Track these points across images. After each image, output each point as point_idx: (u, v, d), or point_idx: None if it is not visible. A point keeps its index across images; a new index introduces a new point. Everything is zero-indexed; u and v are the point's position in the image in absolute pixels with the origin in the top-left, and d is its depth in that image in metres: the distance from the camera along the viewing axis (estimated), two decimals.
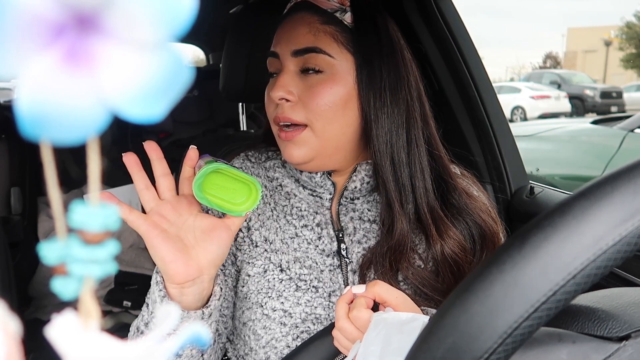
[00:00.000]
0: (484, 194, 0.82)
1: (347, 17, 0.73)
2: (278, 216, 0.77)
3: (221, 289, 0.64)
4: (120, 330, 1.84)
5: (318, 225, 0.76)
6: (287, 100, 0.71)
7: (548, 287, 0.28)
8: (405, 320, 0.57)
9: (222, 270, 0.74)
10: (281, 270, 0.73)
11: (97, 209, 0.17)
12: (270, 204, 0.78)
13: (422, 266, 0.73)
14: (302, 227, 0.76)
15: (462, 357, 0.29)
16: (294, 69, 0.72)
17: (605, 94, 14.98)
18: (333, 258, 0.75)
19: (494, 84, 1.29)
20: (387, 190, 0.72)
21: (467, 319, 0.30)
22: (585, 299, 0.39)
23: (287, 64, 0.72)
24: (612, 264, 0.28)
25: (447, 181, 0.76)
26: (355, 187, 0.77)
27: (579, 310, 0.37)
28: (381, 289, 0.60)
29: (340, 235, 0.76)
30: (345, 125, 0.72)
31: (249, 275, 0.75)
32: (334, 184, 0.78)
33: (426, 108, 0.77)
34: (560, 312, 0.29)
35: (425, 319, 0.57)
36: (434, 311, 0.67)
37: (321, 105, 0.70)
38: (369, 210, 0.78)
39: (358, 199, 0.78)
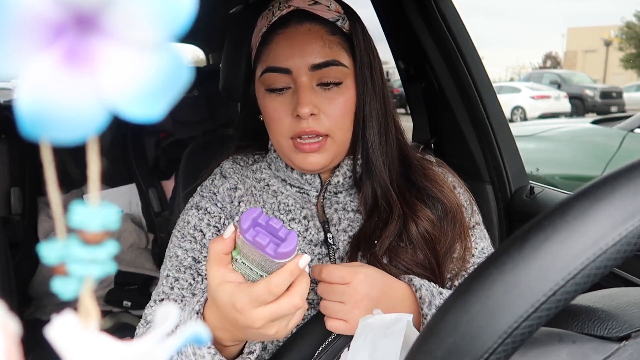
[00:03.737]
0: (459, 181, 0.85)
1: (346, 25, 0.77)
2: (267, 213, 0.80)
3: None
4: (120, 330, 1.84)
5: (305, 217, 0.79)
6: (312, 114, 0.72)
7: (548, 287, 0.28)
8: (390, 322, 0.57)
9: None
10: None
11: (97, 209, 0.17)
12: (260, 203, 0.81)
13: (402, 245, 0.75)
14: (289, 220, 0.79)
15: (462, 357, 0.29)
16: (310, 82, 0.73)
17: (605, 94, 14.96)
18: (321, 247, 0.77)
19: (494, 84, 1.29)
20: (379, 178, 0.76)
21: (467, 319, 0.30)
22: (585, 299, 0.39)
23: (304, 79, 0.72)
24: (612, 264, 0.28)
25: (408, 160, 0.81)
26: (338, 182, 0.80)
27: (579, 310, 0.37)
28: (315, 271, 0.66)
29: (326, 226, 0.78)
30: (350, 128, 0.76)
31: None
32: (322, 181, 0.81)
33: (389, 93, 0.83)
34: (560, 312, 0.29)
35: (409, 318, 0.57)
36: (416, 279, 0.70)
37: (342, 115, 0.74)
38: (351, 201, 0.81)
39: (341, 192, 0.82)
